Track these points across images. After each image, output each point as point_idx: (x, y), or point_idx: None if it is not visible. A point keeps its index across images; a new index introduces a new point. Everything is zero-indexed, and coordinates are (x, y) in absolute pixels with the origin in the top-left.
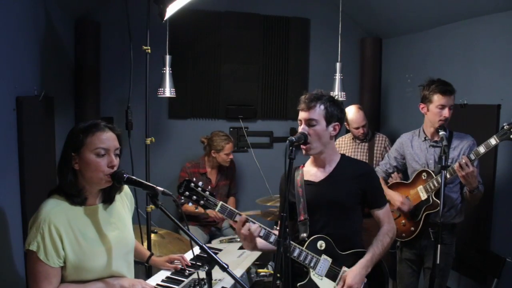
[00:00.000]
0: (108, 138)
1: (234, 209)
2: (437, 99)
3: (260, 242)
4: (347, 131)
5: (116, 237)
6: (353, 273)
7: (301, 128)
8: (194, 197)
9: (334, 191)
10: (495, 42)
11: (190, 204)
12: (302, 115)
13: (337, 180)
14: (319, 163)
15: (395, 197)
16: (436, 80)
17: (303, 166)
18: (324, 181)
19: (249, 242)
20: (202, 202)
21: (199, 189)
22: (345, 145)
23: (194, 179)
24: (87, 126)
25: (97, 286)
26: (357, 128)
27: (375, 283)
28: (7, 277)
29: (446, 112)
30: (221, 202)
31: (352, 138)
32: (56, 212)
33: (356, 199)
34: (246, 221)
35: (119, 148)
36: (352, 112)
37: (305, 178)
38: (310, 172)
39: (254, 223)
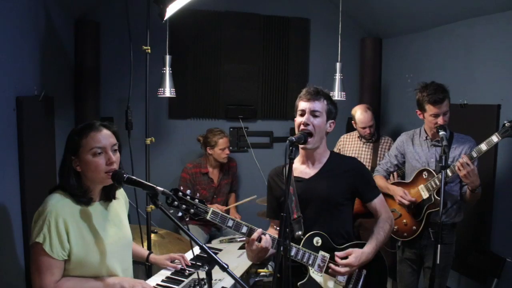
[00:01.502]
0: (103, 137)
1: (225, 214)
2: (429, 109)
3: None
4: (354, 129)
5: (114, 234)
6: (358, 253)
7: (304, 118)
8: (184, 206)
9: (325, 187)
10: (495, 42)
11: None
12: (307, 105)
13: (327, 176)
14: (310, 160)
15: (396, 191)
16: (429, 84)
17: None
18: (314, 178)
19: (263, 254)
20: (192, 210)
21: (188, 197)
22: (349, 143)
23: (196, 180)
24: (82, 128)
25: (97, 284)
26: (364, 128)
27: (374, 276)
28: (7, 274)
29: (440, 120)
30: (212, 209)
31: (358, 137)
32: (62, 205)
33: (346, 195)
34: (263, 234)
35: (116, 144)
36: (359, 111)
37: (295, 175)
38: (300, 168)
39: (265, 234)
